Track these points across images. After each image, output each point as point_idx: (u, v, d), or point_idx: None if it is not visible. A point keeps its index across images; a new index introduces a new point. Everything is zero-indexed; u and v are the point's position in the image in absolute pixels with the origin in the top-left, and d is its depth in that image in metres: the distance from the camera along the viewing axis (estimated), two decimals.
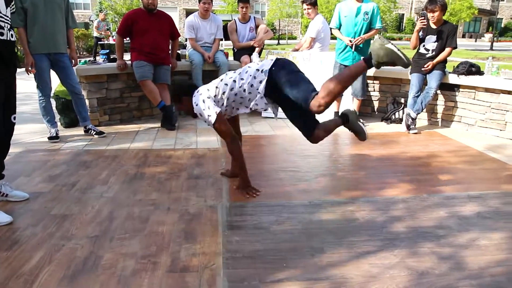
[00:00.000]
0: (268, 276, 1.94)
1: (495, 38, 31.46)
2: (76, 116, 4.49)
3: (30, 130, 4.59)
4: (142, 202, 2.75)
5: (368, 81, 5.48)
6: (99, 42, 14.89)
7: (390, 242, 2.26)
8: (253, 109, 2.84)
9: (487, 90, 4.64)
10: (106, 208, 2.65)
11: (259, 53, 5.67)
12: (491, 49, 26.83)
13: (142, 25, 4.61)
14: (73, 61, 4.27)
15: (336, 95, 2.52)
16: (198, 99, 2.80)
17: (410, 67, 4.27)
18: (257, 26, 5.66)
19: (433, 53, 4.67)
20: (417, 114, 4.72)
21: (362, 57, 2.59)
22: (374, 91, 5.59)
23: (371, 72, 5.39)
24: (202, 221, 2.49)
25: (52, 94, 4.36)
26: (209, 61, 5.25)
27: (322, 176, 3.33)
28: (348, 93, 5.09)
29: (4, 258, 2.06)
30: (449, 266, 2.05)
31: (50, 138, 4.19)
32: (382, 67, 2.52)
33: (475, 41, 40.05)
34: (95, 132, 4.39)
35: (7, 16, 2.49)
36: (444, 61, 4.75)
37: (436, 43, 4.63)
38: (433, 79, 4.67)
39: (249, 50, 5.56)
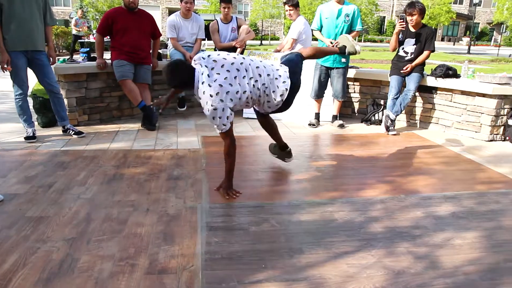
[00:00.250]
0: (247, 277, 1.94)
1: (472, 42, 32.20)
2: (54, 115, 4.41)
3: (6, 130, 4.49)
4: (121, 204, 2.72)
5: (349, 83, 5.54)
6: (79, 40, 14.64)
7: (367, 242, 2.29)
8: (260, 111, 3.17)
9: (463, 92, 4.74)
10: (84, 210, 2.62)
11: (241, 54, 5.67)
12: (469, 52, 27.43)
13: (123, 24, 4.56)
14: (51, 59, 4.19)
15: (308, 56, 3.21)
16: (216, 102, 2.64)
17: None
18: (239, 27, 5.66)
19: (412, 55, 4.75)
20: (396, 116, 4.80)
21: (337, 47, 3.67)
22: (354, 92, 5.66)
23: (351, 74, 5.45)
24: (181, 223, 2.47)
25: (29, 93, 4.28)
26: (190, 61, 5.22)
27: (302, 177, 3.36)
28: (329, 94, 5.14)
29: None
30: (424, 265, 2.09)
31: (26, 138, 4.10)
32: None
33: (454, 44, 40.94)
34: (73, 132, 4.32)
35: None
36: (423, 63, 4.83)
37: (415, 46, 4.71)
38: (411, 81, 4.75)
39: (231, 51, 5.55)
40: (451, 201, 2.91)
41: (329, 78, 5.05)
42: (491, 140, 4.58)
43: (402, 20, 4.68)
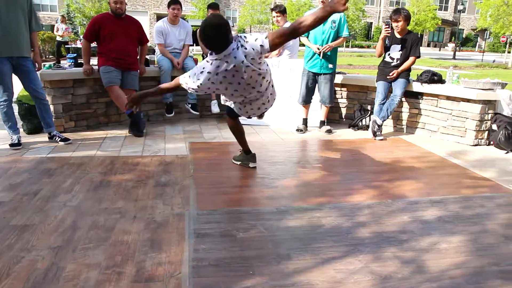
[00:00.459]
0: (235, 284, 1.94)
1: (457, 48, 32.75)
2: (39, 122, 4.36)
3: None
4: (108, 211, 2.70)
5: (336, 89, 5.59)
6: (66, 46, 14.55)
7: (355, 248, 2.31)
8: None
9: (448, 98, 4.81)
10: (70, 218, 2.58)
11: None
12: (454, 58, 27.90)
13: (110, 29, 4.54)
14: (36, 65, 4.15)
15: None
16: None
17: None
18: None
19: (398, 61, 4.81)
20: (383, 121, 4.84)
21: None
22: (341, 98, 5.70)
23: (338, 79, 5.49)
24: (168, 230, 2.46)
25: (14, 99, 4.22)
26: (178, 67, 5.22)
27: (289, 182, 3.36)
28: (316, 100, 5.17)
29: None
30: (411, 269, 2.10)
31: (11, 145, 4.05)
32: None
33: (439, 50, 41.62)
34: (60, 139, 4.28)
35: None
36: (409, 69, 4.90)
37: (401, 52, 4.77)
38: (398, 87, 4.80)
39: None
40: (437, 205, 2.94)
41: (317, 84, 5.08)
42: (476, 145, 4.65)
43: (387, 26, 4.74)
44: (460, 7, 33.20)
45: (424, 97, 5.05)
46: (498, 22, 23.70)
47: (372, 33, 43.86)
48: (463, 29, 45.98)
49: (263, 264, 2.11)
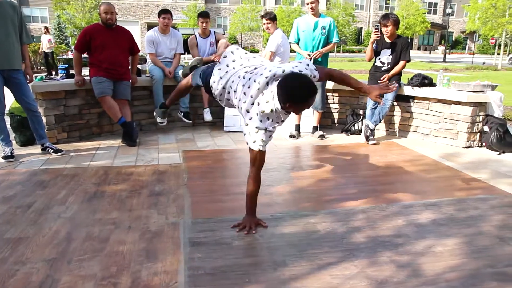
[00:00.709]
0: None
1: (447, 51, 33.08)
2: (32, 134, 4.34)
3: None
4: (102, 222, 2.69)
5: (328, 94, 5.62)
6: (57, 57, 14.52)
7: (350, 253, 2.31)
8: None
9: (439, 101, 4.86)
10: (64, 229, 2.57)
11: None
12: (444, 60, 28.15)
13: (101, 40, 4.54)
14: (28, 77, 4.14)
15: None
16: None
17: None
18: (217, 41, 5.69)
19: (389, 66, 4.85)
20: (375, 125, 4.87)
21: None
22: (333, 103, 5.73)
23: (330, 85, 5.52)
24: (163, 239, 2.45)
25: (6, 111, 4.20)
26: (169, 76, 5.23)
27: (284, 189, 3.37)
28: None
29: None
30: (407, 273, 2.11)
31: (4, 157, 4.02)
32: None
33: (430, 53, 41.98)
34: (52, 150, 4.25)
35: None
36: (399, 73, 4.94)
37: (391, 56, 4.81)
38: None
39: None
40: (431, 208, 2.96)
41: None
42: (468, 147, 4.69)
43: (377, 30, 4.78)
44: (448, 10, 33.55)
45: (415, 101, 5.09)
46: (487, 24, 23.97)
47: (362, 37, 44.19)
48: (453, 32, 46.46)
49: (259, 272, 2.11)
